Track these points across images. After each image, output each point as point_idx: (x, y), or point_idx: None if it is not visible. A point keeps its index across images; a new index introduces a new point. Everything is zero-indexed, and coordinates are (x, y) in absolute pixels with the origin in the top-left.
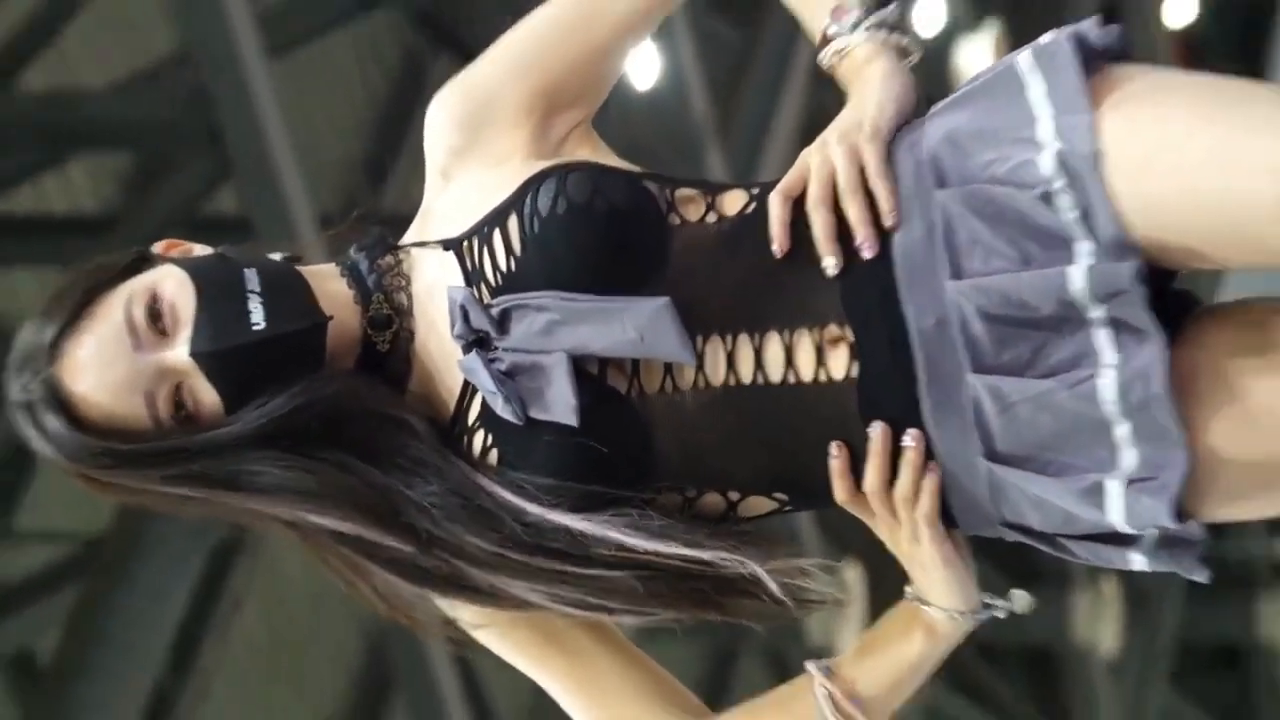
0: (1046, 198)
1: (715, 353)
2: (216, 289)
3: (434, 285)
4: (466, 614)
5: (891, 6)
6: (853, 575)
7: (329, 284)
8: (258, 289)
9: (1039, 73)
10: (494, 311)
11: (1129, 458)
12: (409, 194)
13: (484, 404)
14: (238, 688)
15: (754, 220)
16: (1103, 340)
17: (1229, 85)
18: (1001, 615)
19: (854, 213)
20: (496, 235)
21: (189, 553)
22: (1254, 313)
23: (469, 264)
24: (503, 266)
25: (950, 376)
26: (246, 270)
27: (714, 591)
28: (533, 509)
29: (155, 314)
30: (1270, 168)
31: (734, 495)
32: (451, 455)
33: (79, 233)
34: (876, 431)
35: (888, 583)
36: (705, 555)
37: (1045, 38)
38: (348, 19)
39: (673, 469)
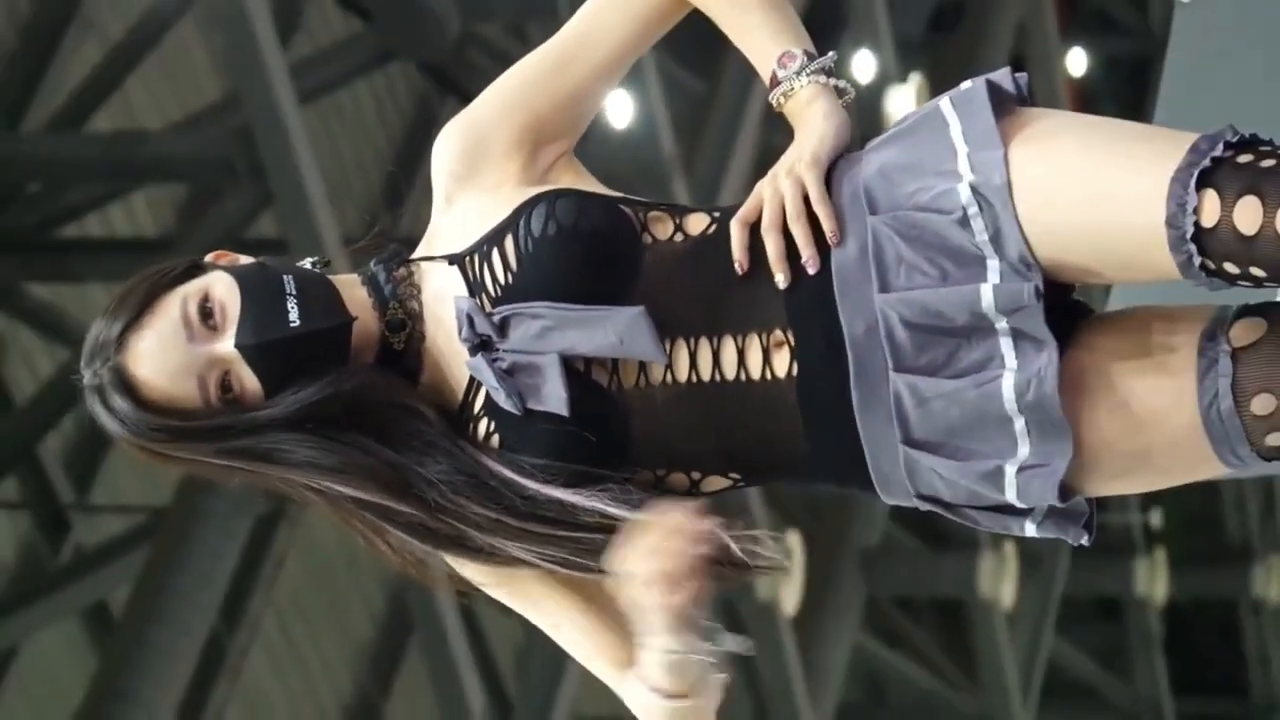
0: (963, 221)
1: (680, 354)
2: (259, 291)
3: (441, 293)
4: (468, 570)
5: (830, 55)
6: (794, 542)
7: (352, 290)
8: (294, 292)
9: (958, 114)
10: (495, 319)
11: (1024, 447)
12: (421, 218)
13: (487, 396)
14: (282, 633)
15: (715, 240)
16: (1006, 347)
17: (1115, 126)
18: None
19: (800, 235)
20: (495, 253)
21: (239, 521)
22: (1136, 319)
23: (471, 277)
24: (501, 280)
25: (876, 374)
26: (285, 276)
27: None
28: (530, 484)
29: (206, 312)
30: (1146, 198)
31: (695, 474)
32: (459, 439)
33: (141, 253)
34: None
35: (822, 549)
36: None
37: (964, 85)
38: (368, 70)
39: (646, 451)
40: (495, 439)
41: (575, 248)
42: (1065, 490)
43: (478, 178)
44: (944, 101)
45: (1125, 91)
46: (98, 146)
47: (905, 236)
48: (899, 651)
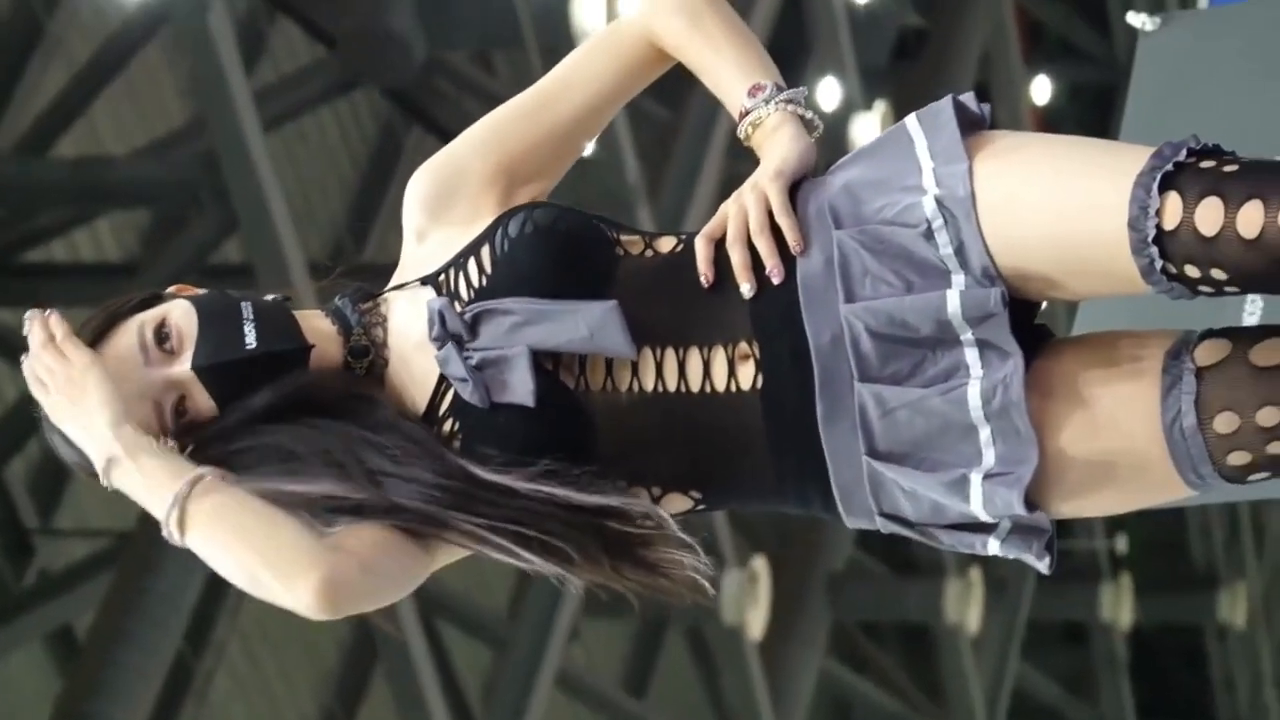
0: (928, 234)
1: (646, 362)
2: (216, 316)
3: (407, 323)
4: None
5: (800, 88)
6: (760, 566)
7: (315, 322)
8: (251, 316)
9: (924, 130)
10: (466, 317)
11: (990, 455)
12: (386, 245)
13: (454, 396)
14: (248, 657)
15: (683, 257)
16: (972, 357)
17: (1077, 141)
18: None
19: (763, 246)
20: (471, 261)
21: None
22: (1102, 339)
23: (445, 290)
24: (475, 283)
25: (841, 385)
26: (243, 302)
27: (610, 546)
28: (484, 472)
29: (162, 336)
30: (1109, 205)
31: (656, 490)
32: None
33: (106, 278)
34: None
35: (789, 574)
36: (615, 502)
37: (930, 105)
38: (333, 96)
39: (606, 459)
40: (458, 440)
41: (551, 245)
42: (1029, 503)
43: (450, 213)
44: (911, 119)
45: (1089, 119)
46: (63, 171)
47: (871, 249)
48: (865, 676)
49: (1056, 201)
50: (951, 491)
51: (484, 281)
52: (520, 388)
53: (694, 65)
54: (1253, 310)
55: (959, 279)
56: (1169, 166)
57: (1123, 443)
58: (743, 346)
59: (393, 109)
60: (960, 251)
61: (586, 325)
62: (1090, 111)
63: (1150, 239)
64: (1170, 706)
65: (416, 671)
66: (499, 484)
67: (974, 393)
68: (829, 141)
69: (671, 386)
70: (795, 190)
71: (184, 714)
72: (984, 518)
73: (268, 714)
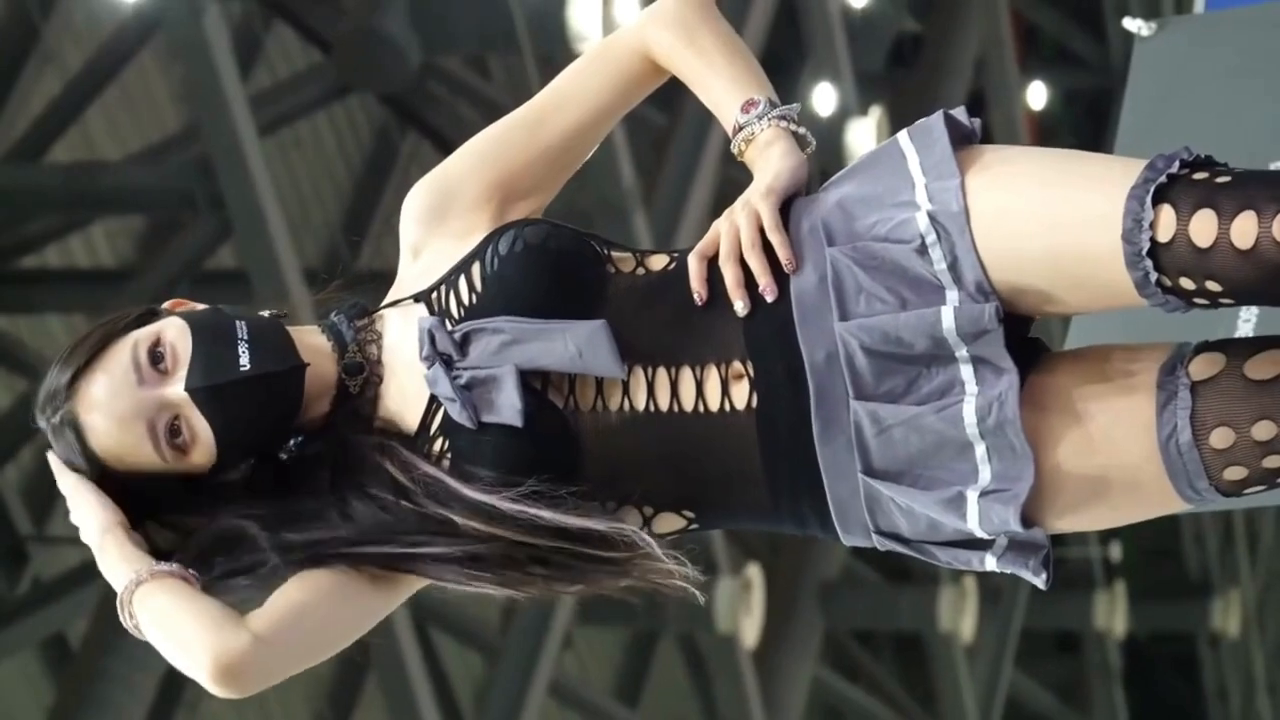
0: (921, 250)
1: (638, 381)
2: (211, 336)
3: (401, 340)
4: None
5: (794, 105)
6: (754, 575)
7: (311, 338)
8: (246, 337)
9: (915, 146)
10: (456, 336)
11: (986, 472)
12: (381, 250)
13: (444, 416)
14: None
15: (674, 275)
16: (967, 374)
17: (1069, 155)
18: None
19: (755, 264)
20: (462, 279)
21: None
22: (1095, 353)
23: (436, 307)
24: (466, 301)
25: (836, 403)
26: (238, 321)
27: (590, 570)
28: (473, 493)
29: (156, 356)
30: (1102, 217)
31: (648, 510)
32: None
33: (100, 284)
34: None
35: (783, 582)
36: (600, 526)
37: (921, 120)
38: (328, 102)
39: (596, 479)
40: (447, 460)
41: (541, 263)
42: (1026, 519)
43: (445, 226)
44: (902, 135)
45: (1084, 125)
46: (57, 177)
47: (864, 266)
48: (859, 685)
49: (1050, 215)
50: (948, 509)
51: (474, 299)
52: (508, 408)
53: (688, 79)
54: (1248, 319)
55: (953, 295)
56: (1162, 179)
57: (1119, 458)
58: (736, 366)
59: (388, 114)
60: (954, 267)
61: (575, 344)
62: (1086, 117)
63: (1145, 252)
64: (1164, 715)
65: (409, 679)
66: (483, 504)
67: (969, 410)
68: (824, 147)
69: (664, 406)
70: (788, 207)
71: None
72: (980, 534)
73: None
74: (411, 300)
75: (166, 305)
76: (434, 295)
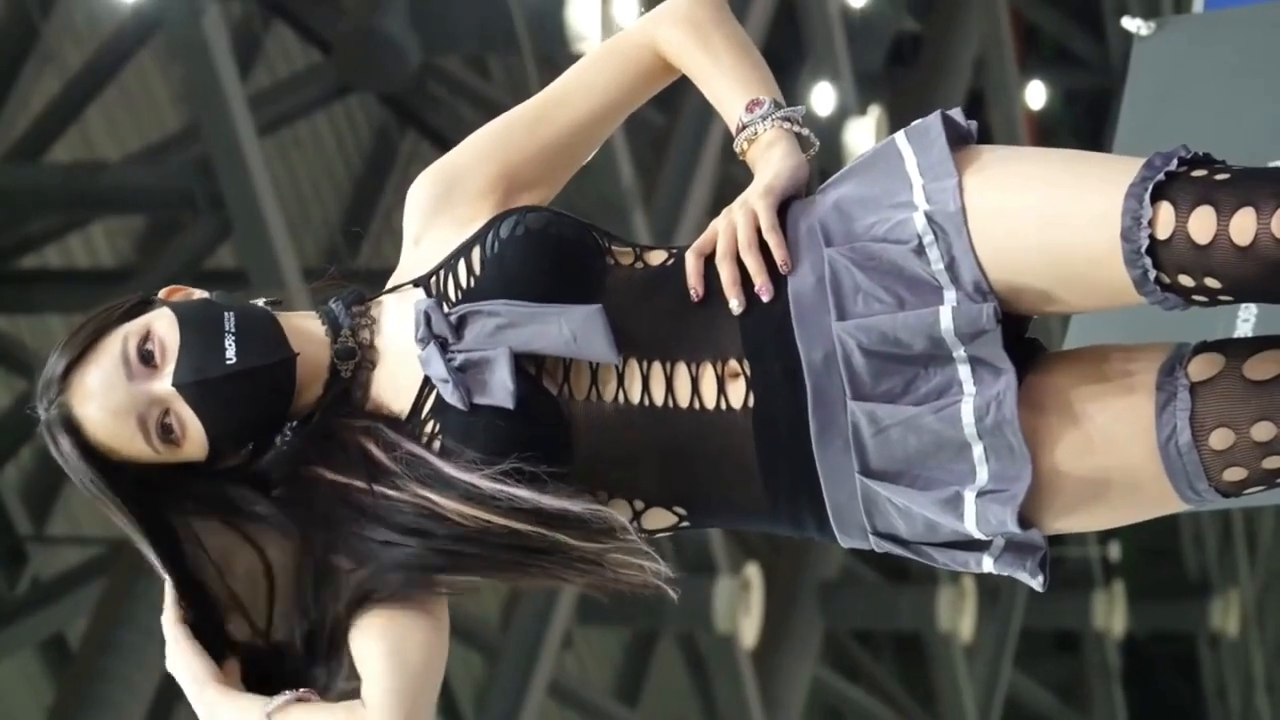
0: (919, 250)
1: (633, 373)
2: (198, 329)
3: (395, 327)
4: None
5: (799, 107)
6: (753, 574)
7: (304, 323)
8: (233, 329)
9: (913, 147)
10: (452, 318)
11: (983, 473)
12: (381, 249)
13: (436, 398)
14: None
15: (672, 271)
16: (964, 374)
17: (1067, 154)
18: None
19: (751, 264)
20: (461, 263)
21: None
22: (1094, 354)
23: (434, 291)
24: (464, 284)
25: (834, 403)
26: (226, 313)
27: (573, 551)
28: (465, 476)
29: (146, 351)
30: (1100, 215)
31: (639, 504)
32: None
33: (100, 284)
34: None
35: (782, 582)
36: (577, 508)
37: (918, 121)
38: (328, 102)
39: (586, 470)
40: (438, 442)
41: (541, 248)
42: (1023, 520)
43: (447, 216)
44: (900, 136)
45: (1084, 124)
46: (57, 177)
47: (862, 266)
48: (858, 685)
49: (1048, 214)
50: (945, 509)
51: (472, 282)
52: (499, 389)
53: (695, 76)
54: (1246, 318)
55: (951, 295)
56: (1160, 176)
57: (1117, 459)
58: (732, 364)
59: (387, 114)
60: (951, 267)
61: (570, 328)
62: (1085, 117)
63: (1143, 249)
64: (1163, 714)
65: None
66: (462, 481)
67: (967, 410)
68: (823, 147)
69: (659, 400)
70: (786, 208)
71: None
72: (978, 535)
73: None
74: (411, 285)
75: (162, 293)
76: (433, 280)
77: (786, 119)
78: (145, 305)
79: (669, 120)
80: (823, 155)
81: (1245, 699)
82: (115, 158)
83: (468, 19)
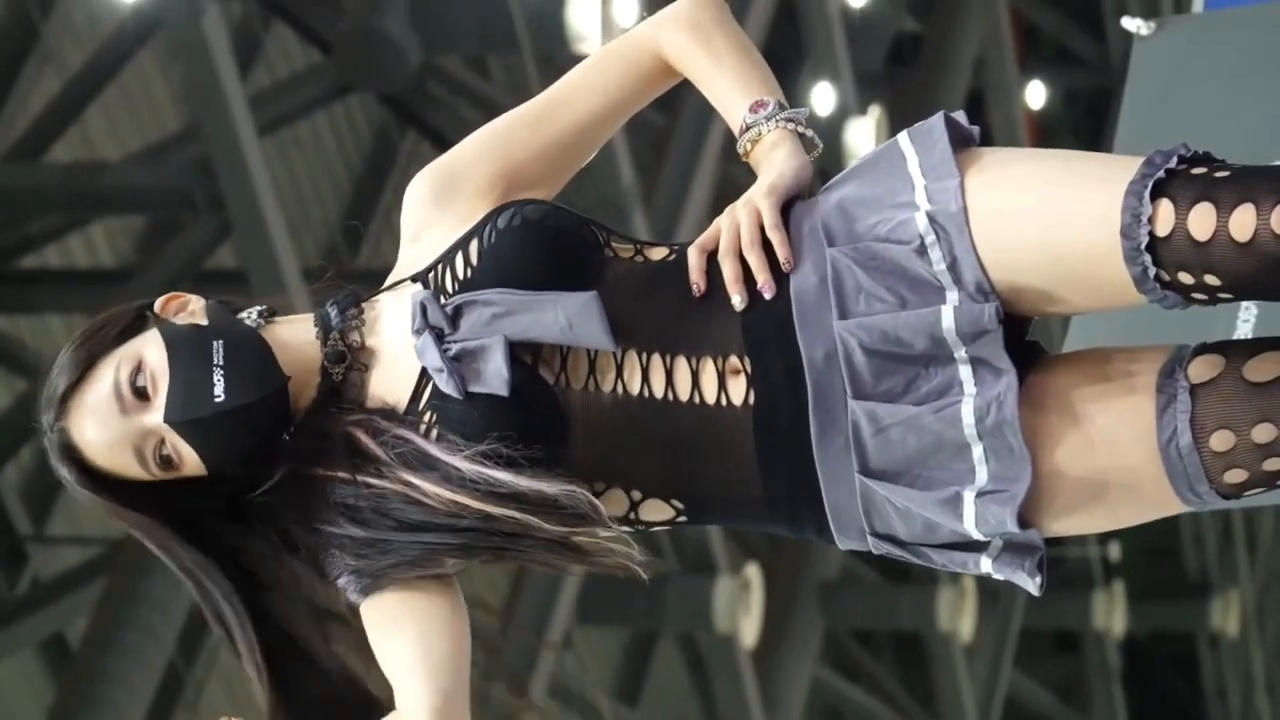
0: (921, 250)
1: (632, 364)
2: (187, 362)
3: (392, 324)
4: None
5: (803, 109)
6: (753, 574)
7: (299, 330)
8: (221, 362)
9: (915, 148)
10: (448, 308)
11: (983, 473)
12: (380, 250)
13: (432, 390)
14: (240, 666)
15: (674, 266)
16: (965, 374)
17: (1067, 154)
18: None
19: (754, 261)
20: (459, 256)
21: None
22: (1095, 356)
23: (432, 284)
24: (461, 276)
25: (835, 402)
26: (215, 343)
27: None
28: (435, 450)
29: (139, 387)
30: (1101, 214)
31: (636, 495)
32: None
33: (100, 284)
34: None
35: (782, 582)
36: (553, 490)
37: (921, 122)
38: (328, 102)
39: (583, 460)
40: (435, 431)
41: (538, 238)
42: (1022, 520)
43: (446, 213)
44: (903, 136)
45: (1084, 124)
46: (57, 177)
47: (864, 266)
48: (858, 685)
49: (1048, 213)
50: (944, 509)
51: (469, 274)
52: (494, 377)
53: (698, 79)
54: (1246, 318)
55: (952, 295)
56: (1160, 174)
57: (1118, 461)
58: (733, 361)
59: (387, 114)
60: (953, 267)
61: (565, 315)
62: (1085, 116)
63: (1143, 246)
64: (1163, 714)
65: None
66: (445, 463)
67: (967, 410)
68: (824, 147)
69: (658, 393)
70: (789, 210)
71: None
72: (976, 536)
73: None
74: (409, 281)
75: (159, 304)
76: (430, 274)
77: (790, 120)
78: (141, 321)
79: (669, 120)
80: (823, 155)
81: (1245, 699)
82: (115, 158)
83: (468, 19)
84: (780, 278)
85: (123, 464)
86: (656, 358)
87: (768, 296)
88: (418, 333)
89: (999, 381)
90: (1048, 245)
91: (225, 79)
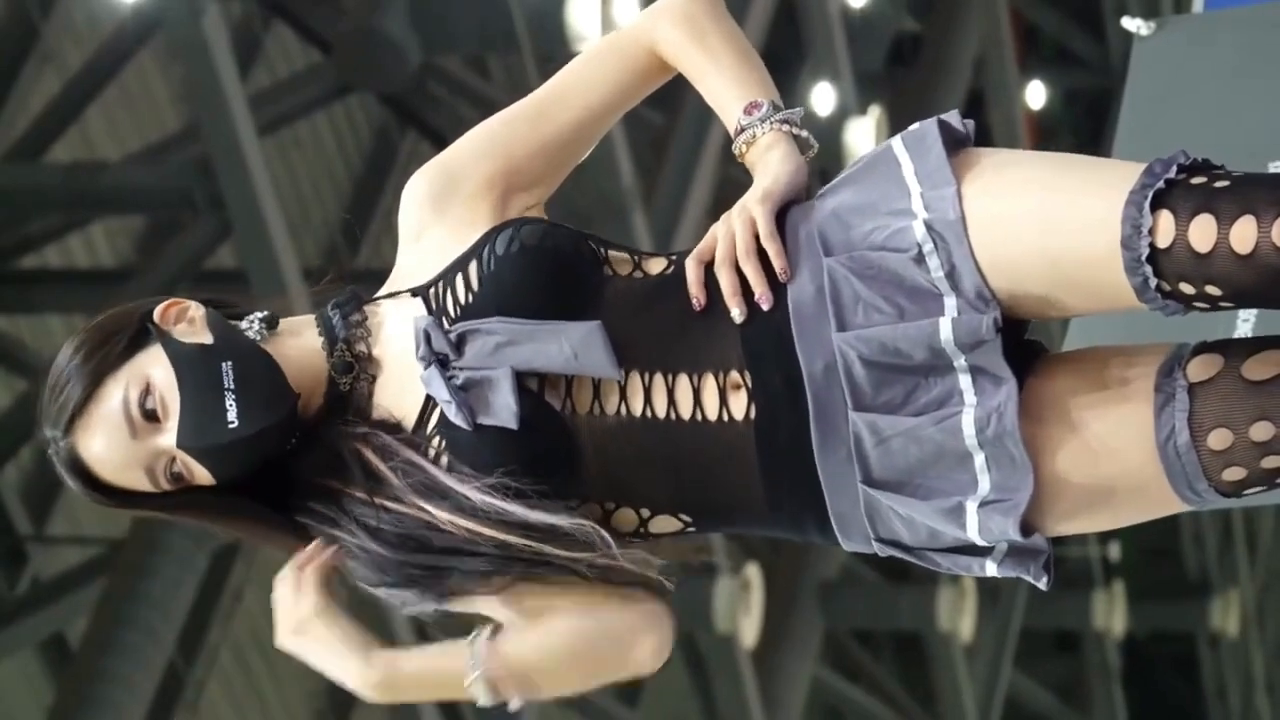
0: (919, 259)
1: (635, 386)
2: (197, 385)
3: (397, 333)
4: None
5: (798, 109)
6: (753, 574)
7: (303, 341)
8: (232, 386)
9: (910, 154)
10: (452, 336)
11: (985, 483)
12: (380, 250)
13: (440, 416)
14: (240, 666)
15: (672, 280)
16: (965, 384)
17: (1065, 158)
18: None
19: (750, 272)
20: (459, 277)
21: (196, 552)
22: (1093, 356)
23: (433, 304)
24: (462, 300)
25: (835, 414)
26: (224, 364)
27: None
28: (447, 479)
29: (148, 411)
30: (1100, 221)
31: (645, 512)
32: (400, 458)
33: (100, 284)
34: None
35: (782, 582)
36: (563, 523)
37: (914, 126)
38: (328, 102)
39: (593, 481)
40: (445, 458)
41: (537, 264)
42: (1025, 526)
43: (446, 215)
44: (896, 142)
45: (1084, 124)
46: (57, 177)
47: (861, 276)
48: (858, 685)
49: (1047, 221)
50: (947, 519)
51: (470, 299)
52: (503, 410)
53: (693, 77)
54: (1246, 317)
55: (951, 302)
56: (1160, 184)
57: (1118, 463)
58: (734, 376)
59: (388, 114)
60: (952, 274)
61: (570, 346)
62: (1085, 116)
63: (1144, 257)
64: (1163, 714)
65: None
66: (457, 492)
67: (968, 420)
68: (823, 147)
69: (660, 413)
70: (784, 216)
71: None
72: (980, 543)
73: None
74: (409, 294)
75: (158, 312)
76: (431, 291)
77: (785, 121)
78: (143, 336)
79: (669, 120)
80: (823, 155)
81: (1245, 699)
82: (115, 158)
83: (468, 19)
84: (778, 288)
85: (133, 481)
86: (659, 377)
87: (765, 308)
88: (422, 360)
89: (999, 391)
90: (1047, 251)
91: (225, 79)
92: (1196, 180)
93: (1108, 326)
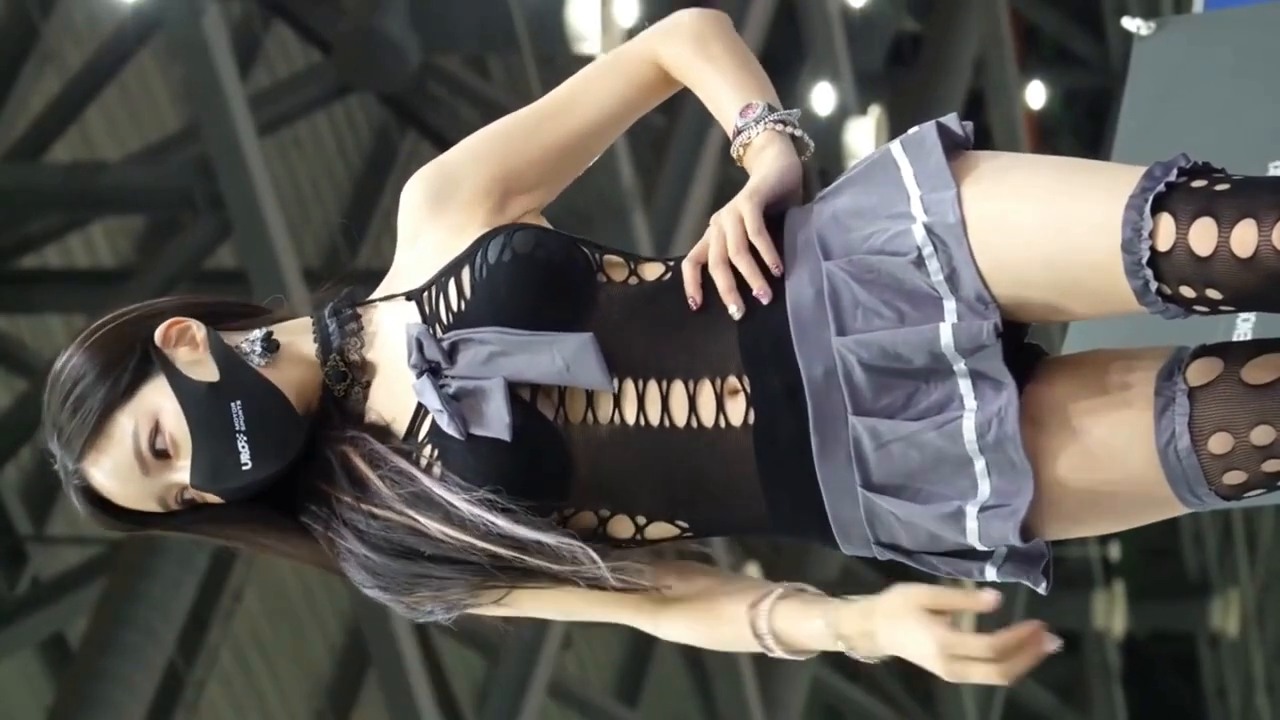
0: (919, 262)
1: (628, 394)
2: (209, 428)
3: (392, 338)
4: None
5: (794, 110)
6: (753, 573)
7: (302, 346)
8: (243, 428)
9: (909, 157)
10: (444, 344)
11: (985, 488)
12: (380, 250)
13: (432, 424)
14: (240, 665)
15: (669, 285)
16: (965, 388)
17: (1065, 162)
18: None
19: (744, 267)
20: (451, 283)
21: (197, 553)
22: (1093, 360)
23: (427, 310)
24: (455, 307)
25: (835, 418)
26: (233, 405)
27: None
28: (438, 488)
29: (158, 448)
30: (1100, 224)
31: (641, 519)
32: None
33: (100, 284)
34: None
35: (782, 581)
36: (549, 539)
37: (913, 129)
38: (328, 101)
39: (586, 490)
40: (437, 467)
41: (529, 274)
42: (1025, 531)
43: (443, 217)
44: (895, 146)
45: (1084, 125)
46: (57, 177)
47: (861, 280)
48: (858, 685)
49: (1047, 224)
50: (947, 523)
51: (462, 306)
52: (496, 422)
53: (695, 87)
54: (1246, 318)
55: (951, 306)
56: (1160, 187)
57: (1118, 468)
58: (732, 381)
59: (388, 114)
60: (952, 278)
61: (562, 358)
62: (1085, 117)
63: (1144, 261)
64: (1163, 714)
65: (409, 679)
66: (447, 502)
67: (968, 426)
68: (823, 147)
69: (654, 420)
70: (783, 220)
71: None
72: (980, 548)
73: None
74: (403, 298)
75: (159, 334)
76: (424, 295)
77: (779, 121)
78: (147, 361)
79: (669, 121)
80: (823, 155)
81: (1245, 699)
82: (115, 158)
83: (468, 19)
84: (777, 292)
85: (144, 508)
86: (653, 384)
87: (764, 302)
88: (415, 368)
89: (999, 396)
90: (1047, 255)
91: (225, 79)
92: (1197, 183)
93: (1107, 329)
